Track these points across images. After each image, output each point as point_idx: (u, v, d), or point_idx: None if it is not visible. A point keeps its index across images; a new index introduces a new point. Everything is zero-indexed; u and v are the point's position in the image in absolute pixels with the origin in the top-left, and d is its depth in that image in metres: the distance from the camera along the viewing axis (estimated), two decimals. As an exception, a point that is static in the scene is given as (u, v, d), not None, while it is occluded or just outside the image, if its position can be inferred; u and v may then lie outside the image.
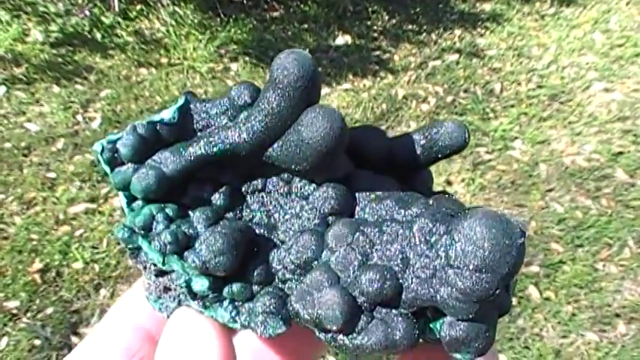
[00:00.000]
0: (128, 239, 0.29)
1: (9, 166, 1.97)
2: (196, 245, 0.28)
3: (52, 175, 1.97)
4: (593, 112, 2.24)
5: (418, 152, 0.33)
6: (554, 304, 1.76)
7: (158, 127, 0.31)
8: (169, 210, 0.30)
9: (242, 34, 2.43)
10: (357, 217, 0.31)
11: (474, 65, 2.44)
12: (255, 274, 0.29)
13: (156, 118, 0.31)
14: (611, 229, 1.91)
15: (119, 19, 2.45)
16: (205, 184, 0.32)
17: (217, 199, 0.31)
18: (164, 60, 2.35)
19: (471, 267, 0.25)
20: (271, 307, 0.28)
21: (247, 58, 2.36)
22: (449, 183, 2.02)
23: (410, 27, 2.60)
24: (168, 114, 0.31)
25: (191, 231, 0.30)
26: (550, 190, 2.01)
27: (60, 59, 2.31)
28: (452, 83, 2.35)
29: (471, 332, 0.27)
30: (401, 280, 0.27)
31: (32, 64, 2.27)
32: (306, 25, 2.55)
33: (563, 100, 2.30)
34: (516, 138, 2.17)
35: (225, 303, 0.29)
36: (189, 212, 0.31)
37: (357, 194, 0.31)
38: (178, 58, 2.36)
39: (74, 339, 1.60)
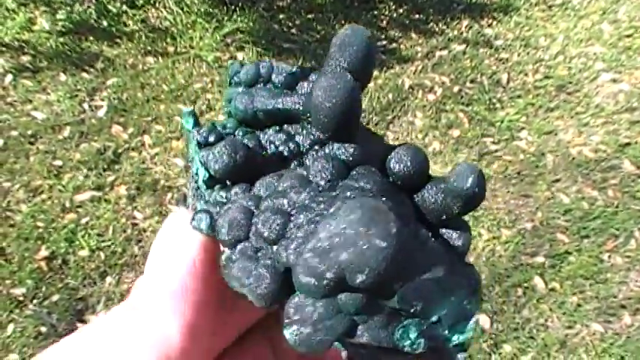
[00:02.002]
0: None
1: (15, 154, 1.98)
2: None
3: (59, 163, 1.97)
4: (600, 102, 2.24)
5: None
6: (559, 295, 1.76)
7: (279, 70, 0.32)
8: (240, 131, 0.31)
9: (248, 23, 2.43)
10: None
11: (481, 55, 2.43)
12: (237, 189, 0.29)
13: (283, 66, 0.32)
14: (617, 220, 1.90)
15: (126, 8, 2.45)
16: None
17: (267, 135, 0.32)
18: (170, 49, 2.35)
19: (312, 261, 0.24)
20: (219, 211, 0.27)
21: (254, 47, 2.36)
22: (455, 173, 2.02)
23: (417, 16, 2.59)
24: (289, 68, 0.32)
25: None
26: (556, 181, 2.01)
27: (66, 47, 2.31)
28: (458, 73, 2.34)
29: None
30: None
31: (39, 53, 2.27)
32: (313, 15, 2.54)
33: (570, 90, 2.29)
34: (523, 128, 2.16)
35: (203, 204, 0.29)
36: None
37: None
38: (185, 47, 2.36)
39: (80, 326, 1.60)
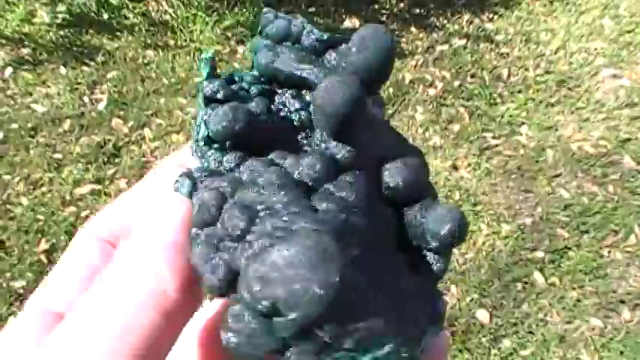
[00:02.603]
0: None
1: (15, 147, 1.98)
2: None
3: (59, 156, 1.97)
4: (601, 98, 2.23)
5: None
6: (558, 290, 1.76)
7: (310, 32, 0.32)
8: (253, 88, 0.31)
9: (249, 17, 2.42)
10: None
11: (482, 50, 2.42)
12: (230, 157, 0.28)
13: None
14: (617, 215, 1.91)
15: (126, 1, 2.44)
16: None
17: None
18: (171, 42, 2.35)
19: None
20: (202, 179, 0.27)
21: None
22: (455, 168, 2.02)
23: (417, 11, 2.59)
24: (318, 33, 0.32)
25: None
26: (556, 176, 2.01)
27: (67, 40, 2.31)
28: (459, 68, 2.34)
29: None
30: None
31: (39, 45, 2.27)
32: (313, 8, 2.53)
33: (571, 85, 2.28)
34: (523, 123, 2.16)
35: (197, 158, 0.29)
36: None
37: None
38: (185, 40, 2.35)
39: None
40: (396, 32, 2.48)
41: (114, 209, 0.32)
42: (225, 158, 0.28)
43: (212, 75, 0.30)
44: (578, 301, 1.74)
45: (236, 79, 0.31)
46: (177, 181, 0.27)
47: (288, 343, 0.23)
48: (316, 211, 0.25)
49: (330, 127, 0.27)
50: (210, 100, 0.29)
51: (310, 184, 0.26)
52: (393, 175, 0.28)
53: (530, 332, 1.68)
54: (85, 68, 2.22)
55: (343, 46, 0.31)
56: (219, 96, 0.29)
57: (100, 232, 0.31)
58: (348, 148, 0.28)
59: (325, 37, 0.31)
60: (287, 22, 0.32)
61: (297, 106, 0.30)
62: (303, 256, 0.22)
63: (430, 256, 0.29)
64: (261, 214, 0.24)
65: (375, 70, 0.28)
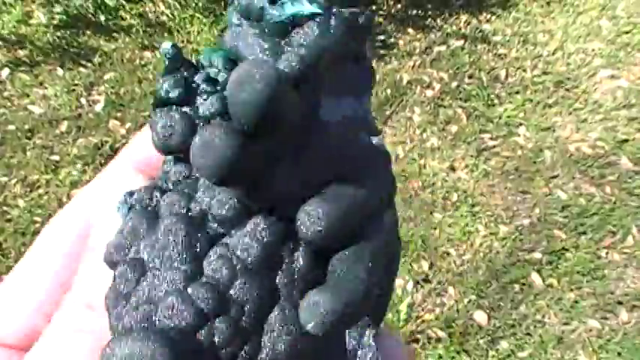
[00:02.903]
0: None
1: (12, 149, 1.97)
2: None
3: (56, 157, 1.97)
4: (598, 99, 2.23)
5: None
6: (556, 291, 1.76)
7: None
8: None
9: (246, 18, 2.42)
10: None
11: (479, 51, 2.42)
12: (176, 170, 0.26)
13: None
14: (614, 216, 1.91)
15: (123, 2, 2.44)
16: None
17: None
18: (168, 43, 2.34)
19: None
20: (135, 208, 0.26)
21: (251, 42, 2.35)
22: (453, 169, 2.02)
23: (415, 12, 2.59)
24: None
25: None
26: (554, 177, 2.01)
27: (64, 42, 2.30)
28: (457, 69, 2.34)
29: None
30: None
31: (36, 47, 2.26)
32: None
33: (568, 86, 2.28)
34: (521, 124, 2.16)
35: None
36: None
37: None
38: (182, 42, 2.35)
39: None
40: (394, 33, 2.48)
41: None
42: (172, 170, 0.26)
43: (171, 69, 0.26)
44: (576, 302, 1.74)
45: (205, 63, 0.27)
46: (119, 202, 0.26)
47: None
48: (200, 275, 0.24)
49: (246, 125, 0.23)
50: (161, 103, 0.26)
51: (215, 226, 0.25)
52: (304, 221, 0.24)
53: (528, 334, 1.68)
54: (82, 69, 2.22)
55: (310, 23, 0.26)
56: (173, 95, 0.26)
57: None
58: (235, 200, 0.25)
59: (286, 16, 0.26)
60: None
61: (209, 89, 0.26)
62: (132, 346, 0.21)
63: None
64: (149, 272, 0.24)
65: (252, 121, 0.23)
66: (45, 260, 0.29)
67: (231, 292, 0.23)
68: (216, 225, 0.25)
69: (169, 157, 0.26)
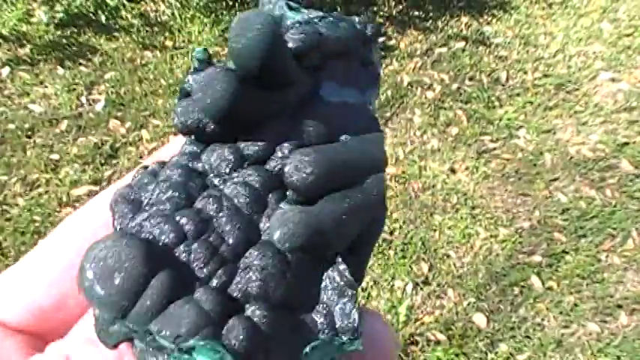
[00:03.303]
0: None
1: (12, 148, 1.97)
2: None
3: (56, 156, 1.96)
4: (599, 102, 2.23)
5: None
6: (556, 294, 1.76)
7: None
8: None
9: (247, 18, 2.42)
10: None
11: (480, 53, 2.42)
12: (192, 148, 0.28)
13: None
14: (614, 219, 1.90)
15: (124, 1, 2.44)
16: None
17: None
18: (169, 43, 2.34)
19: None
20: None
21: (252, 43, 2.35)
22: (453, 171, 2.02)
23: (416, 13, 2.59)
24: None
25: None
26: (554, 180, 2.01)
27: (64, 40, 2.30)
28: (457, 71, 2.34)
29: None
30: None
31: (36, 45, 2.26)
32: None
33: (569, 89, 2.28)
34: (521, 127, 2.16)
35: None
36: None
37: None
38: (183, 41, 2.35)
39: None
40: (395, 35, 2.48)
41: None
42: (187, 149, 0.28)
43: (200, 68, 0.28)
44: (576, 305, 1.74)
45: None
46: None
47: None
48: (191, 206, 0.25)
49: (247, 69, 0.26)
50: (185, 95, 0.28)
51: (211, 177, 0.26)
52: (291, 167, 0.26)
53: (527, 337, 1.68)
54: (82, 69, 2.22)
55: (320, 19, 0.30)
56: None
57: None
58: (258, 145, 0.27)
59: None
60: None
61: None
62: (104, 259, 0.22)
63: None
64: (145, 208, 0.25)
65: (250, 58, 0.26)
66: (61, 248, 0.29)
67: (215, 222, 0.24)
68: (212, 176, 0.26)
69: (187, 141, 0.28)
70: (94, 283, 0.23)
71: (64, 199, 1.86)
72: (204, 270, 0.24)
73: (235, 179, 0.26)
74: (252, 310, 0.23)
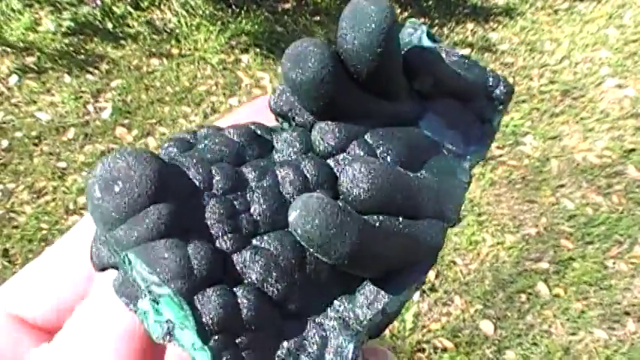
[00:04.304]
0: None
1: (20, 155, 1.98)
2: None
3: (63, 164, 1.97)
4: (605, 108, 2.23)
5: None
6: (563, 301, 1.75)
7: None
8: None
9: (253, 26, 2.43)
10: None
11: (486, 59, 2.42)
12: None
13: None
14: (621, 226, 1.90)
15: (131, 9, 2.45)
16: None
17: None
18: (175, 51, 2.35)
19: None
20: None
21: (258, 50, 2.36)
22: (459, 178, 2.01)
23: (421, 20, 2.59)
24: None
25: None
26: (561, 187, 2.00)
27: (71, 49, 2.31)
28: (463, 77, 2.34)
29: None
30: None
31: (44, 54, 2.27)
32: (317, 17, 2.54)
33: (575, 95, 2.28)
34: (527, 133, 2.16)
35: None
36: None
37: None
38: (189, 49, 2.36)
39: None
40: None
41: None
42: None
43: None
44: (583, 312, 1.73)
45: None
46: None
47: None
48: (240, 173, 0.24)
49: (309, 104, 0.25)
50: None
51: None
52: (345, 178, 0.24)
53: (535, 344, 1.68)
54: (89, 77, 2.23)
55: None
56: None
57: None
58: (315, 169, 0.25)
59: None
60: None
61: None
62: (114, 165, 0.22)
63: None
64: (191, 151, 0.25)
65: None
66: (78, 245, 0.29)
67: (248, 191, 0.24)
68: (274, 152, 0.26)
69: (276, 126, 0.28)
70: (95, 187, 0.22)
71: (71, 206, 1.87)
72: (214, 228, 0.22)
73: (292, 163, 0.25)
74: (242, 292, 0.22)
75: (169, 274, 0.21)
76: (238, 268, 0.22)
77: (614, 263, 1.83)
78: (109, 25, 2.39)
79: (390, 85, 0.26)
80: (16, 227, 1.82)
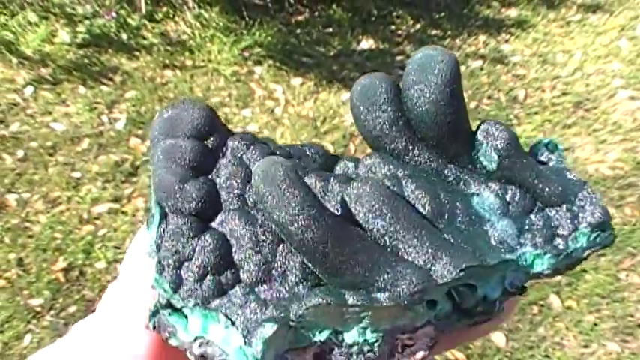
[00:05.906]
0: None
1: (35, 165, 2.00)
2: None
3: (77, 174, 1.99)
4: (617, 120, 2.23)
5: None
6: (575, 313, 1.74)
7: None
8: None
9: (266, 38, 2.44)
10: None
11: (498, 71, 2.43)
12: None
13: None
14: (634, 238, 1.89)
15: (145, 21, 2.47)
16: None
17: None
18: (189, 62, 2.37)
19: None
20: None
21: (271, 62, 2.37)
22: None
23: (434, 32, 2.60)
24: None
25: None
26: (573, 198, 1.99)
27: (86, 60, 2.33)
28: (475, 89, 2.34)
29: None
30: None
31: (59, 65, 2.30)
32: (330, 29, 2.55)
33: (587, 107, 2.28)
34: (540, 145, 2.15)
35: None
36: None
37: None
38: (203, 61, 2.38)
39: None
40: (413, 53, 2.49)
41: None
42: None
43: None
44: (595, 324, 1.73)
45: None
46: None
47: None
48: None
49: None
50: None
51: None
52: (349, 192, 0.25)
53: (547, 356, 1.67)
54: (103, 88, 2.25)
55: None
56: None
57: None
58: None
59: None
60: None
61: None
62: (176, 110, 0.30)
63: None
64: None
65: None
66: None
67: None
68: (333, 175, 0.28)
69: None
70: (157, 130, 0.29)
71: (85, 216, 1.88)
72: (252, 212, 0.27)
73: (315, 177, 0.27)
74: (235, 291, 0.25)
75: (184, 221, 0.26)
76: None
77: (626, 275, 1.82)
78: (124, 37, 2.42)
79: (452, 138, 0.27)
80: (30, 236, 1.84)
